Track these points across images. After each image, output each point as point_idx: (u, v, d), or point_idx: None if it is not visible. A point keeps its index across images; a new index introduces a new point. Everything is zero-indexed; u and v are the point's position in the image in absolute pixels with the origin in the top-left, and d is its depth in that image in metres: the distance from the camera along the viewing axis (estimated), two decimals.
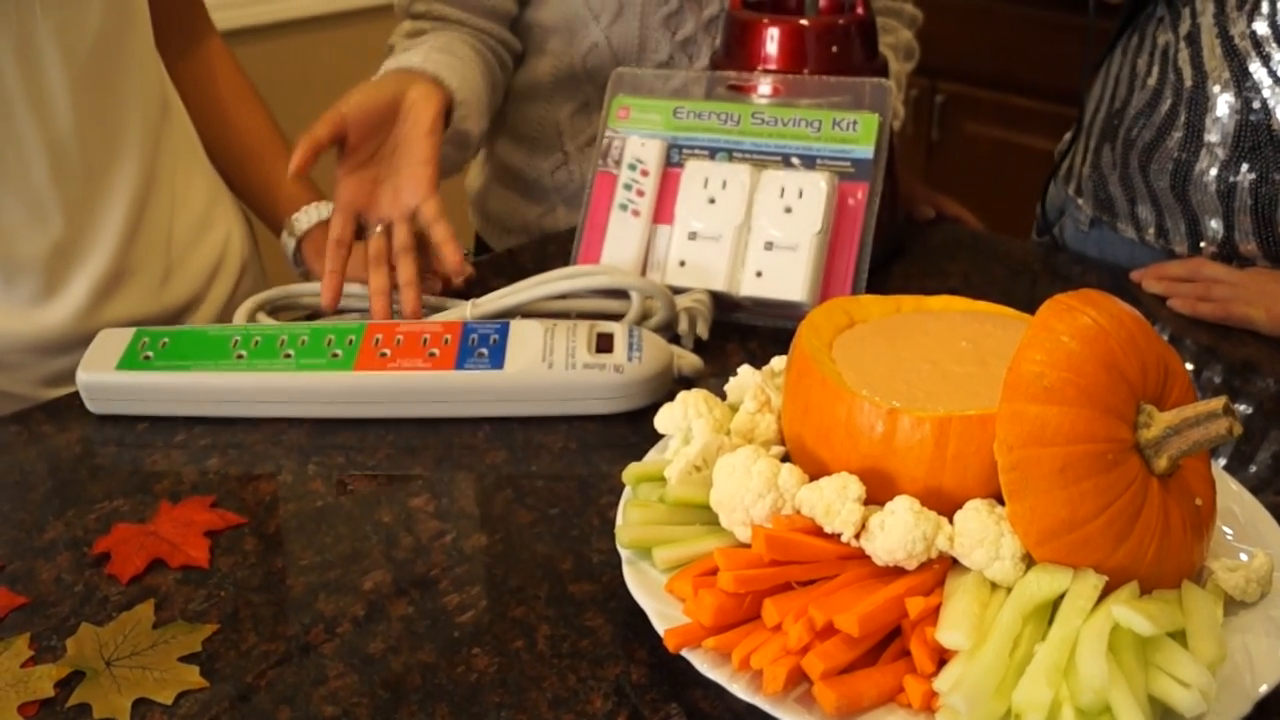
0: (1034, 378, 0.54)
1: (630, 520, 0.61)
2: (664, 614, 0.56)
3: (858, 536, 0.55)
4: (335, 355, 0.82)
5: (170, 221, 1.00)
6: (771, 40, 0.99)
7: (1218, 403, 0.54)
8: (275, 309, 0.96)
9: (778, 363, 0.71)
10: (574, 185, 1.25)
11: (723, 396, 0.70)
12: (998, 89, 2.49)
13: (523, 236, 1.30)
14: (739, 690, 0.52)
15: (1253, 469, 0.79)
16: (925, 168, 2.56)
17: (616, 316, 0.91)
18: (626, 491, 0.65)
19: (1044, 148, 2.32)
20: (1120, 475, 0.53)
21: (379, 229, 0.93)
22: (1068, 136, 1.16)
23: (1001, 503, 0.54)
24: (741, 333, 0.93)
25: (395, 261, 0.92)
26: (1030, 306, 0.67)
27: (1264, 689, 0.52)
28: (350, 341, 0.83)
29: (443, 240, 0.91)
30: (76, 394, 0.85)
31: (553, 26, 1.18)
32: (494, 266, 1.07)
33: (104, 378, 0.83)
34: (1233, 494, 0.66)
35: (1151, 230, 1.04)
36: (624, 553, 0.60)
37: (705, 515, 0.60)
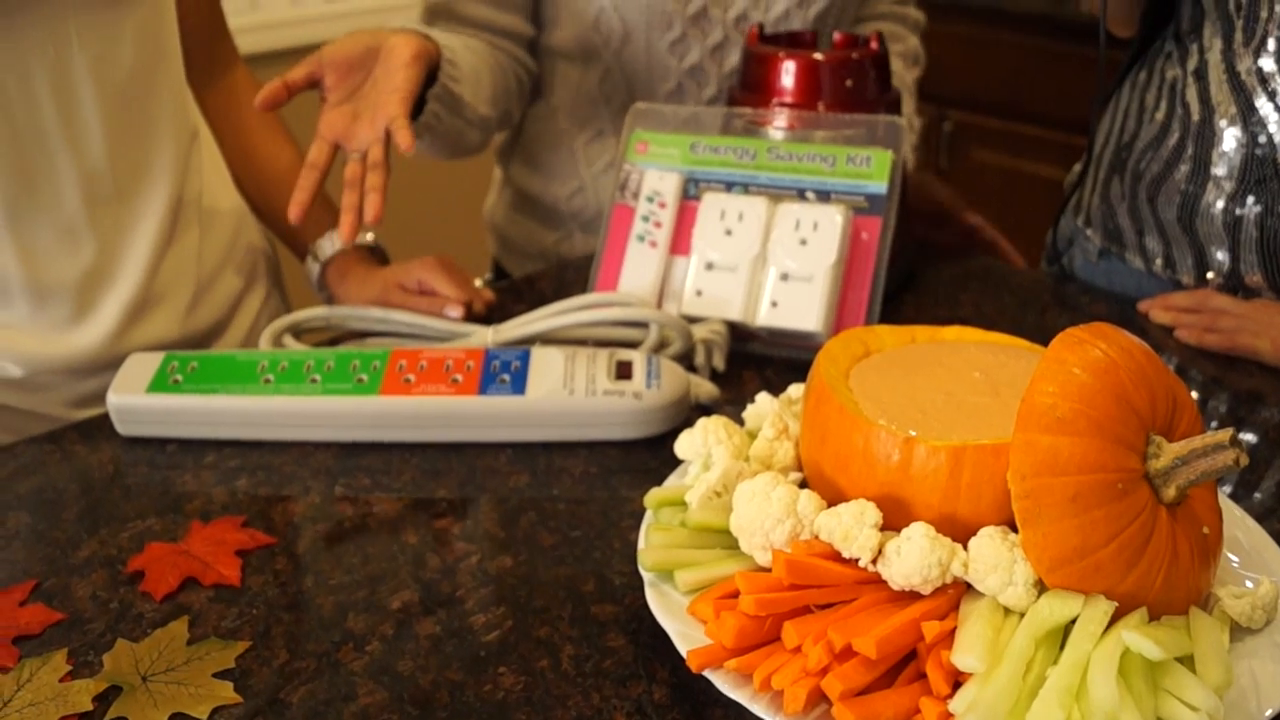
0: (1047, 409, 0.56)
1: (652, 544, 0.63)
2: (686, 635, 0.58)
3: (875, 561, 0.57)
4: (361, 380, 0.84)
5: (198, 248, 1.02)
6: (787, 74, 1.01)
7: (1224, 434, 0.55)
8: (300, 332, 0.98)
9: (795, 390, 0.73)
10: (590, 211, 1.27)
11: (740, 423, 0.72)
12: (1005, 117, 2.52)
13: (540, 261, 1.32)
14: (760, 710, 0.54)
15: (1258, 497, 0.81)
16: None
17: (634, 343, 0.93)
18: (648, 515, 0.67)
19: (1051, 176, 2.35)
20: (1130, 504, 0.54)
21: (355, 156, 0.94)
22: (1077, 168, 1.18)
23: (1015, 530, 0.55)
24: (757, 362, 0.94)
25: (367, 174, 0.92)
26: (1040, 336, 0.69)
27: (1269, 713, 0.53)
28: (375, 367, 0.85)
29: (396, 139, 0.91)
30: (107, 415, 0.87)
31: (568, 53, 1.20)
32: (513, 292, 1.09)
33: (134, 400, 0.85)
34: (1239, 522, 0.67)
35: (1159, 261, 1.06)
36: (646, 575, 0.62)
37: (725, 540, 0.62)
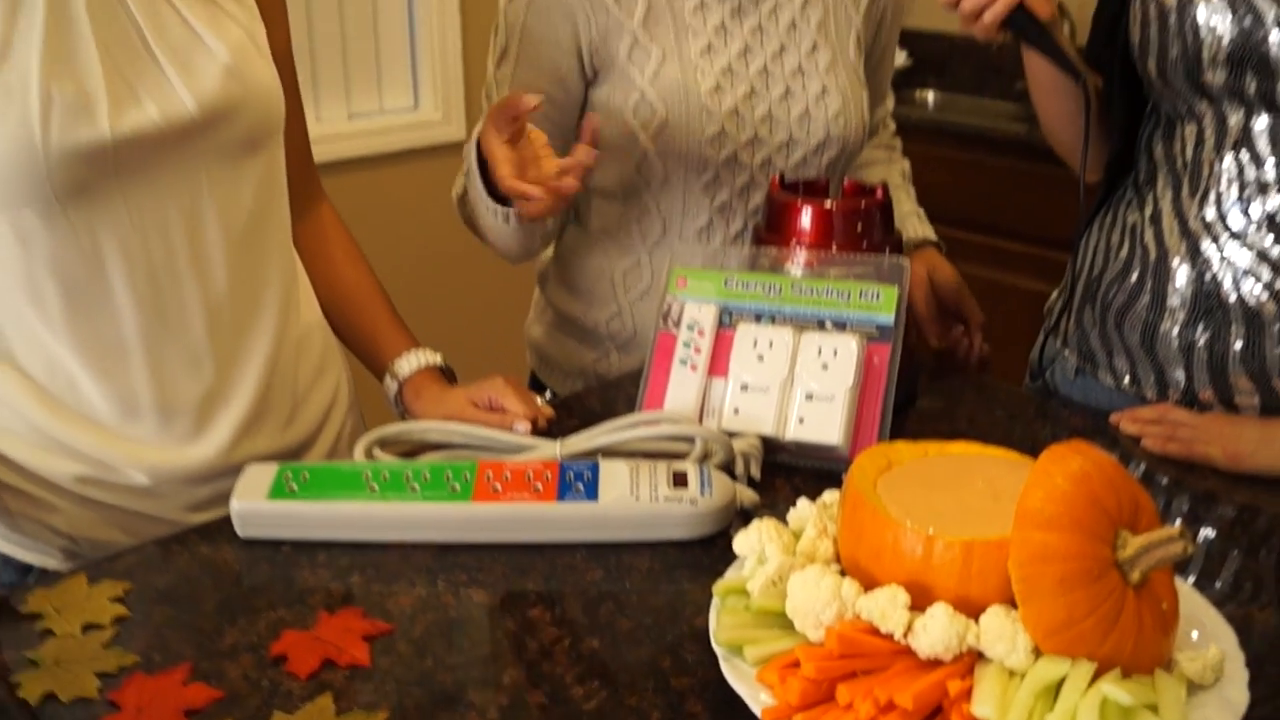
0: (1037, 511, 0.71)
1: (723, 624, 0.77)
2: (755, 698, 0.72)
3: (906, 635, 0.72)
4: (454, 489, 0.98)
5: (296, 368, 1.16)
6: (805, 218, 1.18)
7: (1175, 530, 0.71)
8: (385, 444, 1.12)
9: (829, 496, 0.88)
10: (626, 333, 1.42)
11: (785, 524, 0.87)
12: (987, 233, 2.71)
13: (578, 378, 1.48)
14: None
15: (1218, 585, 0.96)
16: None
17: (679, 455, 1.08)
18: (715, 601, 0.81)
19: (1031, 287, 2.54)
20: (1104, 586, 0.70)
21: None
22: (1055, 296, 1.35)
23: (1015, 607, 0.70)
24: (786, 471, 1.10)
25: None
26: (1028, 444, 0.85)
27: None
28: (466, 477, 0.99)
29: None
30: (223, 519, 1.00)
31: (608, 191, 1.37)
32: (566, 408, 1.24)
33: (256, 506, 0.99)
34: (1197, 603, 0.82)
35: (1126, 379, 1.23)
36: (719, 650, 0.76)
37: (783, 620, 0.76)
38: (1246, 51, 1.08)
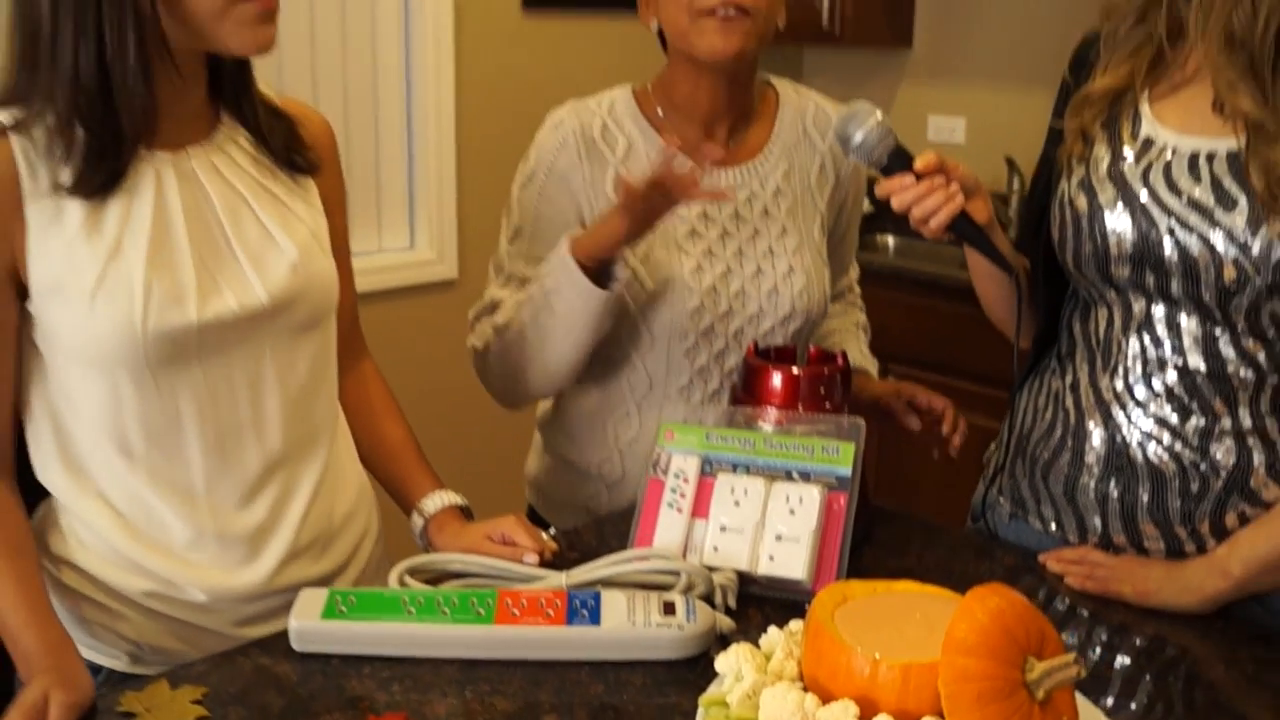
0: (961, 640, 0.89)
1: None
2: None
3: None
4: (479, 613, 1.16)
5: (332, 507, 1.34)
6: (776, 382, 1.38)
7: (1071, 657, 0.89)
8: (415, 571, 1.29)
9: (795, 625, 1.05)
10: (616, 474, 1.61)
11: (757, 647, 1.05)
12: (939, 373, 2.93)
13: (571, 512, 1.66)
14: None
15: (1133, 706, 1.13)
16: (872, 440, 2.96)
17: (665, 586, 1.25)
18: (700, 711, 0.98)
19: (979, 424, 2.74)
20: (1014, 702, 0.88)
21: None
22: (992, 449, 1.55)
23: (944, 718, 0.88)
24: (757, 601, 1.27)
25: None
26: (964, 579, 1.03)
27: None
28: (489, 603, 1.17)
29: None
30: (276, 635, 1.17)
31: (602, 356, 1.57)
32: (566, 541, 1.42)
33: (312, 625, 1.15)
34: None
35: (1052, 524, 1.42)
36: None
37: None
38: (1145, 253, 1.30)
